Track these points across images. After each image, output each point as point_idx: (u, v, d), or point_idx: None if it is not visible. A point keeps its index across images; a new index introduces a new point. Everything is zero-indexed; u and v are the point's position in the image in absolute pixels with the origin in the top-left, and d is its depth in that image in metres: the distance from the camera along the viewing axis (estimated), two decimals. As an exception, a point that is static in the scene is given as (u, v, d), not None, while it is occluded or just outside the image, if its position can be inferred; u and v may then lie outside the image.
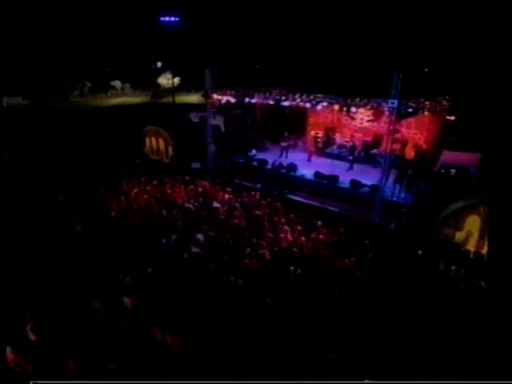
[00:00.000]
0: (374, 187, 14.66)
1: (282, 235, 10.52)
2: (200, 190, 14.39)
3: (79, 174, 15.80)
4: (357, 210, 14.55)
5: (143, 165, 18.32)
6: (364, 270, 9.20)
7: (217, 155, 18.81)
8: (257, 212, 12.09)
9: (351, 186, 15.35)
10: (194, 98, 51.78)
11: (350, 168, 17.46)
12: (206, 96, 16.52)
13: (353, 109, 12.17)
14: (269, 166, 17.81)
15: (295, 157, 19.16)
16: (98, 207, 12.29)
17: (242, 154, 19.42)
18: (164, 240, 9.92)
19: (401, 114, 11.79)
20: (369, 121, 19.88)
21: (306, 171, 17.07)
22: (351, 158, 17.56)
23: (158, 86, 65.38)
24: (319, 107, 14.49)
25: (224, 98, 16.23)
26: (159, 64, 64.83)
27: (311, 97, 13.38)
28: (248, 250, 9.72)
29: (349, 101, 12.23)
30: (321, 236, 10.76)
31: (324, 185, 15.92)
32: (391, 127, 12.07)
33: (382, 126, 19.08)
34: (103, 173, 16.19)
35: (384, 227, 12.35)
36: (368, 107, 12.31)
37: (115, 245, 9.64)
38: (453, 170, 15.16)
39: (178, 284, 7.80)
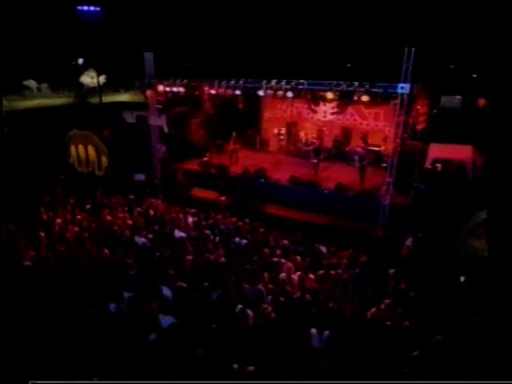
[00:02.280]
0: (365, 191, 12.27)
1: (284, 275, 7.51)
2: (152, 212, 10.86)
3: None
4: (346, 220, 12.02)
5: (69, 182, 14.12)
6: (409, 318, 6.56)
7: (165, 162, 15.29)
8: (238, 240, 8.91)
9: (337, 191, 12.78)
10: (125, 97, 46.90)
11: (315, 170, 14.71)
12: (150, 87, 12.75)
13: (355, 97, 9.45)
14: (231, 174, 14.68)
15: (258, 159, 16.25)
16: (5, 253, 8.32)
17: (193, 159, 16.21)
18: (113, 306, 6.43)
19: (409, 102, 9.34)
20: (333, 113, 17.85)
21: (278, 175, 14.21)
22: (315, 161, 14.79)
23: (82, 85, 58.64)
24: (290, 96, 11.68)
25: (173, 90, 12.67)
26: (81, 61, 58.06)
27: (293, 83, 10.37)
28: (239, 306, 6.61)
29: (344, 86, 9.43)
30: (332, 271, 7.91)
31: (303, 191, 13.15)
32: (401, 118, 9.54)
33: (348, 118, 17.46)
34: (12, 197, 11.82)
35: (396, 244, 9.85)
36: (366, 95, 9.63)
37: (33, 326, 5.97)
38: (439, 165, 13.69)
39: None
